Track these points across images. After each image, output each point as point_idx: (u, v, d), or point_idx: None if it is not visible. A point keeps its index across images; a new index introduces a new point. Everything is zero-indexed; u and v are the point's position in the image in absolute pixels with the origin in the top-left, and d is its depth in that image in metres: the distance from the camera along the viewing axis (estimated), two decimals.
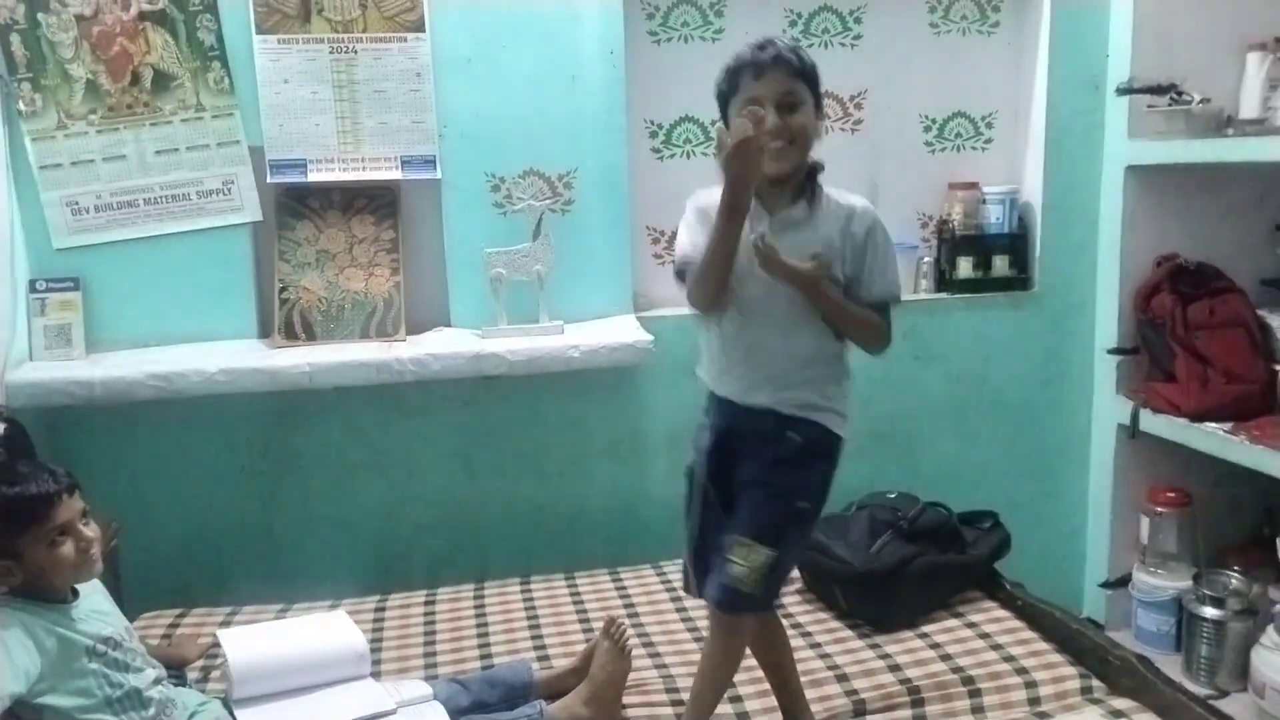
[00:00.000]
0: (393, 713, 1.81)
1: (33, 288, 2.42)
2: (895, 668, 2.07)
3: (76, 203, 2.44)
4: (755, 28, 2.72)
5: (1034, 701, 1.98)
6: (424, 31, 2.48)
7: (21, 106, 2.37)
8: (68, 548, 1.59)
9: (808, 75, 1.68)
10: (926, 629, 2.23)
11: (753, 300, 1.70)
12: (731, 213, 1.59)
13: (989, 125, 2.93)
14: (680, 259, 1.77)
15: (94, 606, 1.67)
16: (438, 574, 2.59)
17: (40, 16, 2.35)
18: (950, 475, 2.89)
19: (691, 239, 1.74)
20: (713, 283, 1.67)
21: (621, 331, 2.56)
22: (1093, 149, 2.83)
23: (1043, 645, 2.14)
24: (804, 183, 1.73)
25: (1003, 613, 2.30)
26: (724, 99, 1.72)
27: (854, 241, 1.72)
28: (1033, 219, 2.90)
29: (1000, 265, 2.90)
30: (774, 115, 1.63)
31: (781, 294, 1.67)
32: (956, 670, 2.05)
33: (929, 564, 2.31)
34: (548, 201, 2.55)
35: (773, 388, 1.72)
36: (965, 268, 2.89)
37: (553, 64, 2.56)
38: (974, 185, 2.90)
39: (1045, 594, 2.40)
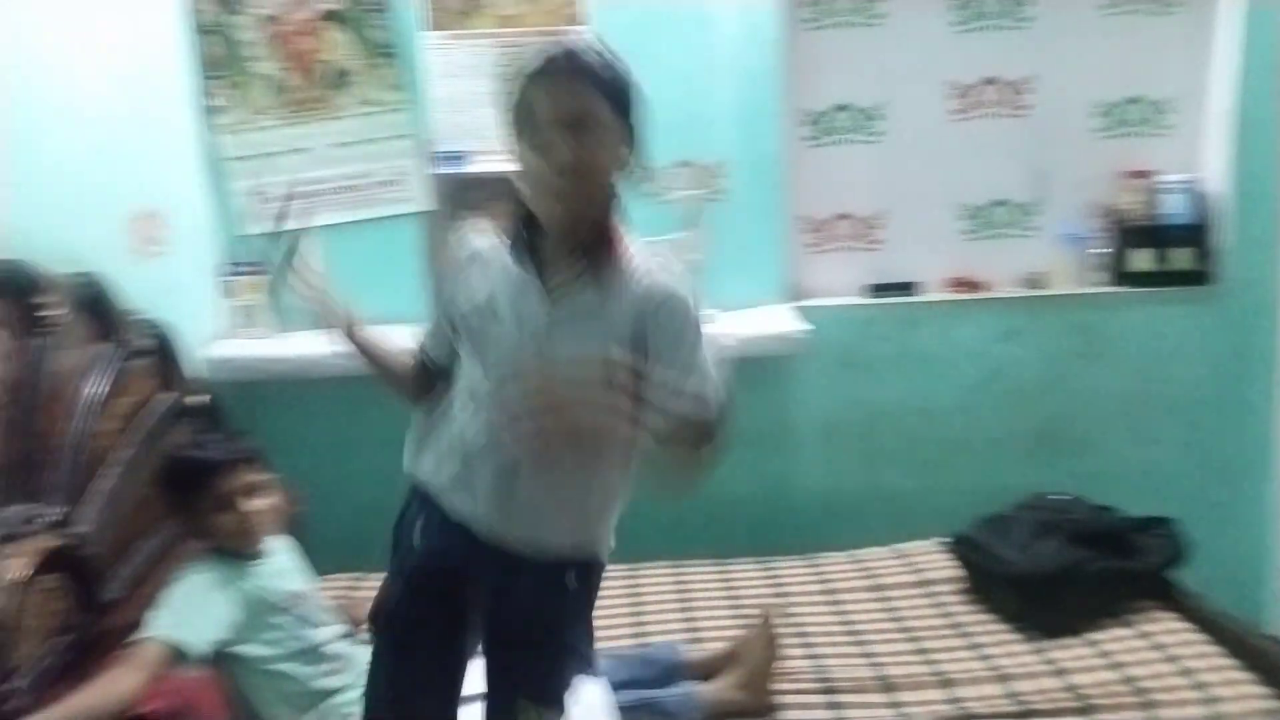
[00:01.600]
0: None
1: (224, 270, 2.60)
2: (1062, 673, 1.99)
3: (264, 192, 2.59)
4: (916, 12, 2.68)
5: (1214, 718, 1.87)
6: (583, 25, 2.53)
7: (216, 102, 2.54)
8: (227, 518, 1.70)
9: (613, 91, 1.30)
10: (1095, 637, 2.13)
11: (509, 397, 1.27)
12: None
13: (1168, 110, 2.77)
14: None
15: (283, 564, 1.79)
16: None
17: (233, 18, 2.51)
18: (1120, 479, 2.75)
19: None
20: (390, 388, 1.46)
21: (776, 320, 2.55)
22: None
23: (1223, 660, 2.01)
24: (594, 243, 1.33)
25: (1178, 624, 2.17)
26: (508, 113, 1.33)
27: (661, 332, 1.32)
28: (1215, 210, 2.73)
29: (1179, 258, 2.74)
30: (559, 136, 1.26)
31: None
32: (1128, 681, 1.95)
33: (1099, 570, 2.20)
34: (702, 191, 2.56)
35: (534, 525, 1.36)
36: (1141, 260, 2.75)
37: (708, 53, 2.57)
38: (1150, 173, 2.75)
39: (1225, 606, 2.26)
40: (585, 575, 1.45)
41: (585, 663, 1.49)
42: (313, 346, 2.46)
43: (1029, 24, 2.71)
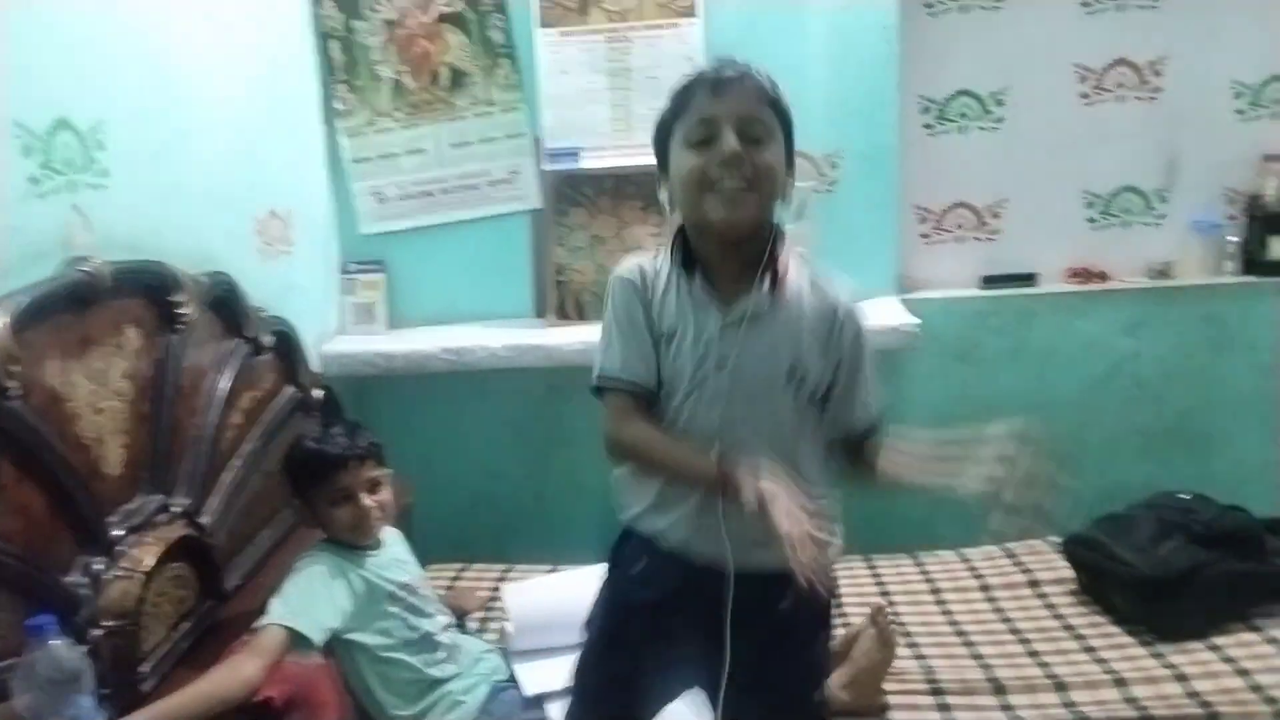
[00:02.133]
0: None
1: (344, 269, 2.70)
2: (1183, 678, 1.92)
3: (382, 192, 2.69)
4: None
5: None
6: (696, 17, 2.53)
7: (338, 105, 2.64)
8: (344, 510, 1.75)
9: (780, 109, 1.33)
10: (1219, 641, 2.04)
11: (733, 420, 1.31)
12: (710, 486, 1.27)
13: None
14: (601, 373, 1.41)
15: (395, 555, 1.86)
16: None
17: (354, 23, 2.60)
18: (1252, 477, 2.63)
19: (623, 348, 1.37)
20: (655, 476, 1.37)
21: (886, 314, 2.51)
22: None
23: None
24: (764, 254, 1.32)
25: None
26: (664, 130, 1.36)
27: (841, 347, 1.35)
28: None
29: None
30: (733, 139, 1.27)
31: (760, 419, 1.31)
32: (1256, 689, 1.87)
33: (1225, 571, 2.11)
34: (812, 184, 2.54)
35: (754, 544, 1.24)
36: (1277, 248, 2.60)
37: (824, 43, 2.54)
38: None
39: None
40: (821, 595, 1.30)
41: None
42: (423, 343, 2.56)
43: (1161, 3, 2.59)
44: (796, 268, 1.36)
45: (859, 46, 2.54)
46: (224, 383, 1.93)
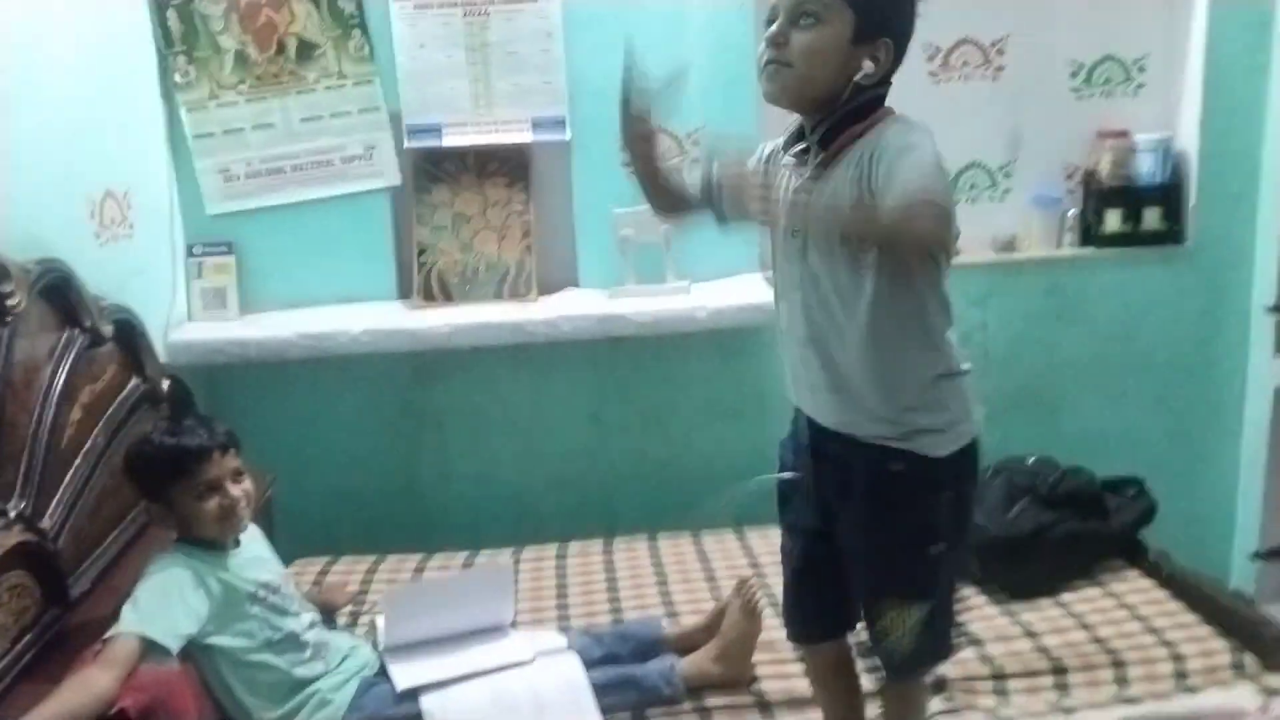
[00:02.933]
0: (530, 662, 1.87)
1: (190, 252, 2.56)
2: (1032, 634, 2.03)
3: (228, 170, 2.55)
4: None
5: (1180, 675, 1.91)
6: None
7: (177, 78, 2.49)
8: (212, 503, 1.69)
9: None
10: (1066, 598, 2.17)
11: (790, 285, 1.47)
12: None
13: (1141, 69, 2.76)
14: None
15: (255, 554, 1.79)
16: (568, 528, 2.65)
17: None
18: (1093, 439, 2.77)
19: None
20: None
21: (748, 291, 2.54)
22: (1256, 93, 2.65)
23: (1190, 618, 2.06)
24: (831, 129, 1.40)
25: (1146, 582, 2.22)
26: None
27: (875, 174, 1.33)
28: (1187, 169, 2.73)
29: (1151, 218, 2.75)
30: (776, 24, 1.37)
31: (824, 279, 1.40)
32: (1097, 641, 2.00)
33: (1069, 531, 2.24)
34: (676, 160, 2.54)
35: (841, 407, 1.45)
36: (1113, 221, 2.75)
37: (683, 19, 2.54)
38: (1124, 133, 2.75)
39: (1192, 565, 2.30)
40: (908, 467, 1.42)
41: (938, 563, 1.48)
42: (279, 329, 2.45)
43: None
44: (879, 131, 1.37)
45: (721, 24, 2.55)
46: (60, 377, 1.80)
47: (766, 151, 1.55)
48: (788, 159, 1.48)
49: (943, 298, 1.43)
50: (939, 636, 1.55)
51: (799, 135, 1.47)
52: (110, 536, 1.93)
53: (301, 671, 1.74)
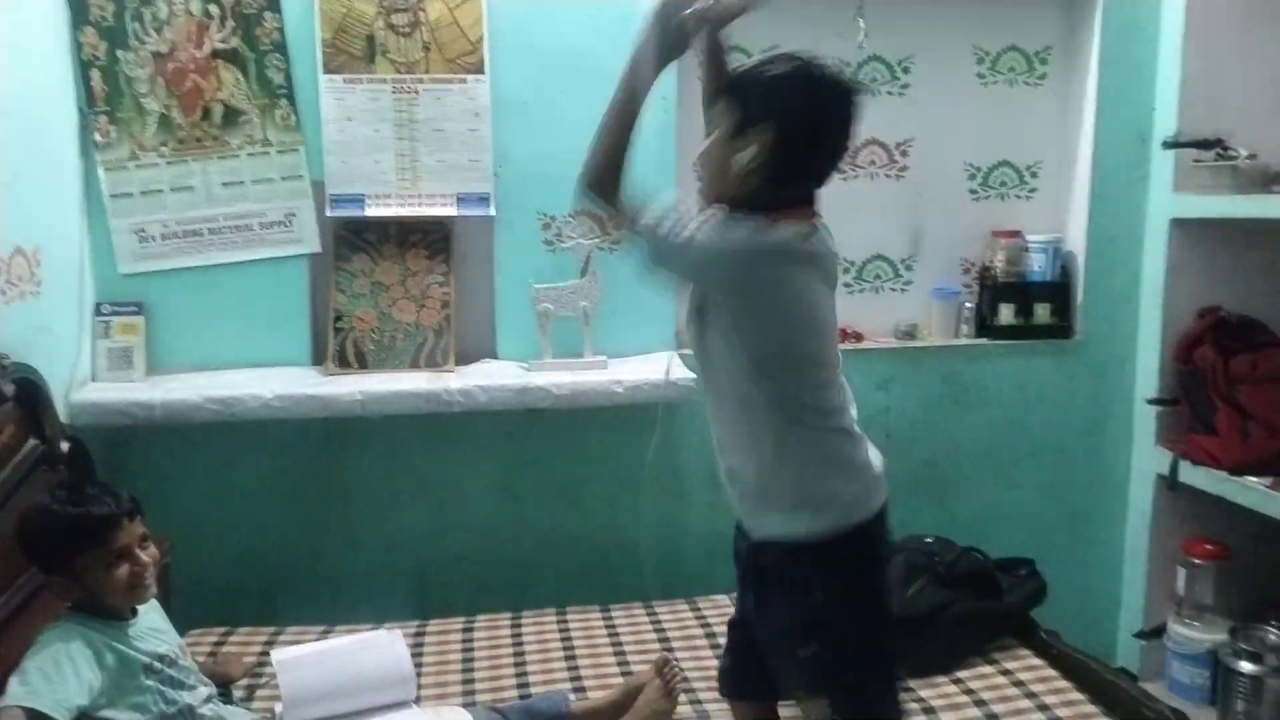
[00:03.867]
0: None
1: (98, 311, 2.51)
2: (930, 711, 2.08)
3: (144, 230, 2.53)
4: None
5: None
6: (483, 74, 2.56)
7: (98, 138, 2.47)
8: (122, 570, 1.65)
9: (740, 92, 1.48)
10: (961, 675, 2.23)
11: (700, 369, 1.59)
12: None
13: (1034, 175, 2.96)
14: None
15: (151, 625, 1.74)
16: (476, 601, 2.63)
17: (119, 53, 2.45)
18: (986, 521, 2.90)
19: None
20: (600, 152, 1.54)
21: (663, 368, 2.59)
22: (1137, 201, 2.85)
23: (1077, 695, 2.13)
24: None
25: (1038, 661, 2.29)
26: None
27: None
28: (1075, 268, 2.92)
29: (1042, 313, 2.92)
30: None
31: (715, 368, 1.51)
32: (991, 717, 2.06)
33: (965, 610, 2.32)
34: (595, 240, 2.61)
35: (736, 496, 1.57)
36: (1007, 314, 2.91)
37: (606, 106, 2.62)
38: (1017, 233, 2.93)
39: (1079, 643, 2.39)
40: (799, 556, 1.47)
41: (865, 650, 1.49)
42: (186, 392, 2.41)
43: (908, 90, 2.86)
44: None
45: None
46: None
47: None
48: None
49: (815, 385, 1.49)
50: (863, 707, 1.53)
51: None
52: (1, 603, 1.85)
53: None
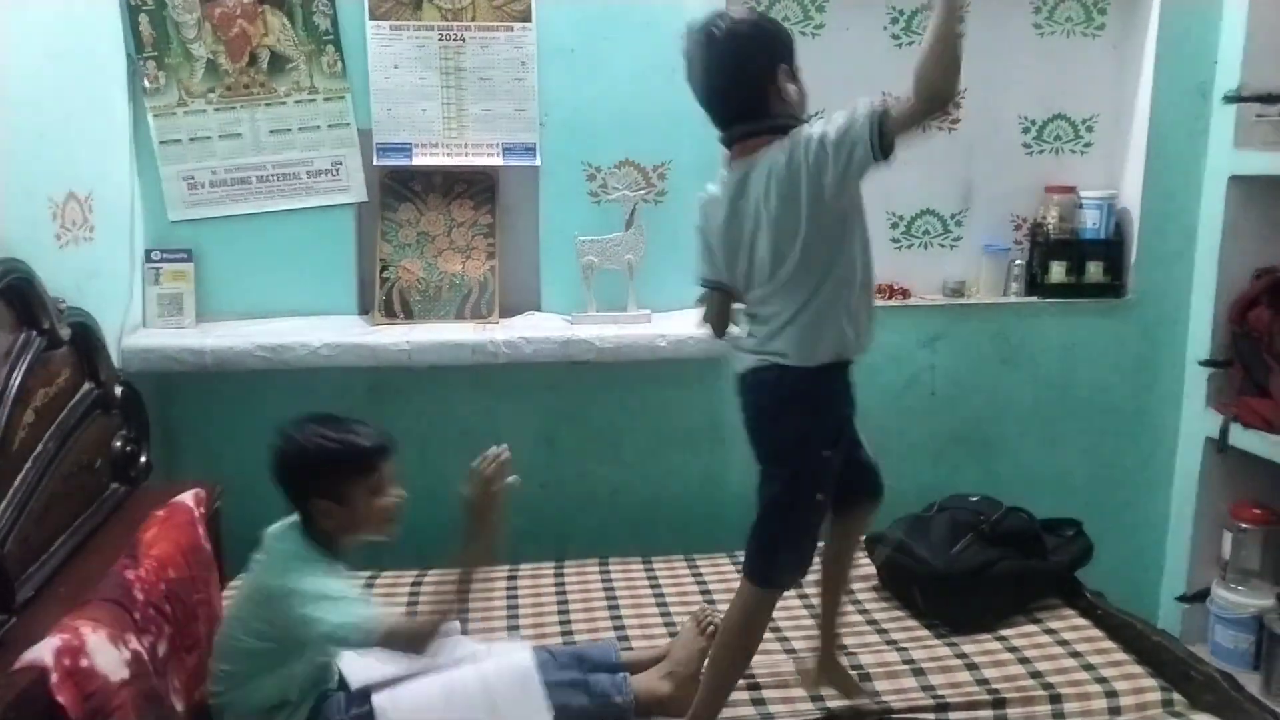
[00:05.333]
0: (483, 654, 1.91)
1: (148, 258, 2.54)
2: (973, 667, 2.08)
3: (193, 177, 2.54)
4: (856, 24, 2.75)
5: (1114, 711, 1.98)
6: (530, 22, 2.53)
7: (146, 84, 2.48)
8: (388, 500, 1.77)
9: (710, 45, 1.73)
10: (1005, 633, 2.23)
11: None
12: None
13: (1089, 129, 2.89)
14: None
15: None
16: (518, 550, 2.64)
17: None
18: (1032, 481, 2.87)
19: None
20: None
21: None
22: (1196, 157, 2.78)
23: (1123, 656, 2.13)
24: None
25: (1082, 621, 2.29)
26: None
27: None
28: (1130, 226, 2.86)
29: (1094, 271, 2.87)
30: None
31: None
32: (1036, 675, 2.06)
33: (1010, 569, 2.31)
34: (641, 192, 2.59)
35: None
36: (1058, 272, 2.86)
37: (654, 56, 2.58)
38: (1071, 189, 2.86)
39: (1120, 605, 2.39)
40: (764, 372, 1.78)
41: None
42: (236, 339, 2.43)
43: (963, 40, 2.78)
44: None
45: None
46: (16, 379, 1.77)
47: None
48: None
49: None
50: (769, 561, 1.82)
51: None
52: (58, 542, 1.89)
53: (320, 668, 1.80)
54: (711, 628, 1.99)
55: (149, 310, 2.53)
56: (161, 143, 2.51)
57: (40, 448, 1.85)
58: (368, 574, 2.45)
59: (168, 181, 2.53)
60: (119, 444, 2.19)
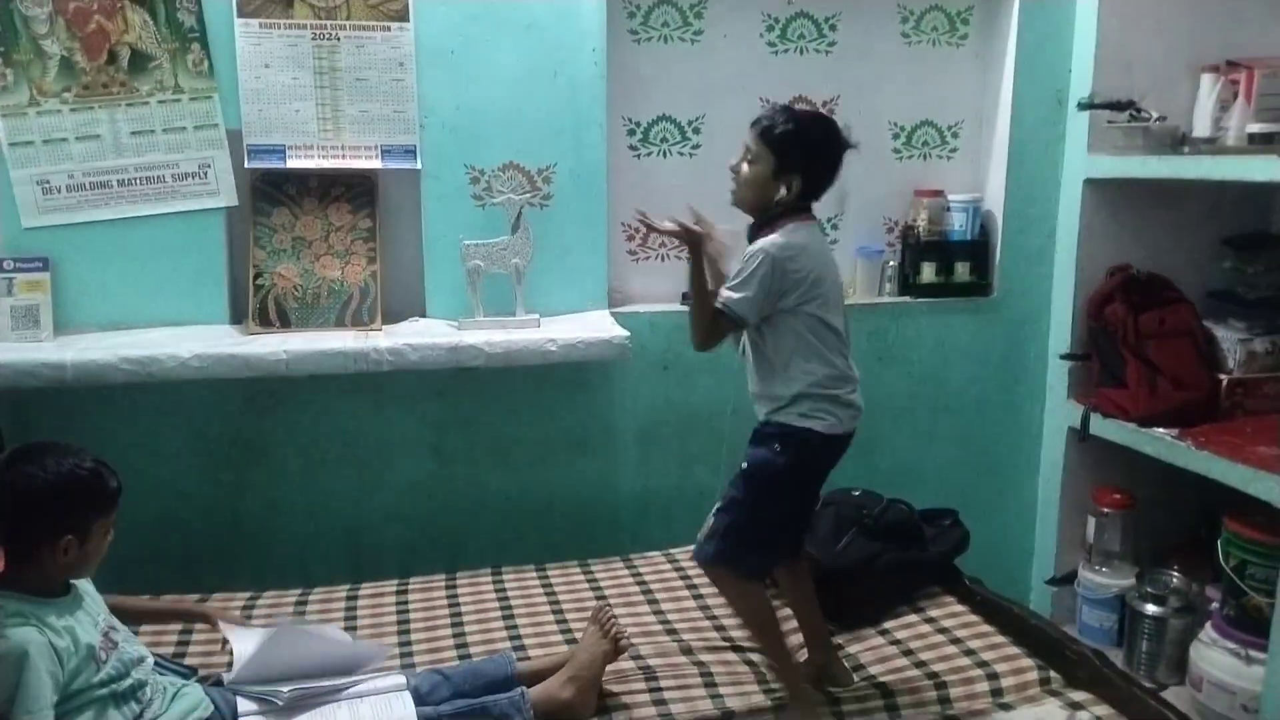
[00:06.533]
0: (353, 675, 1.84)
1: (0, 267, 2.37)
2: (860, 667, 2.13)
3: (48, 181, 2.39)
4: (733, 31, 2.79)
5: (996, 693, 2.06)
6: (408, 21, 2.47)
7: None
8: (98, 544, 1.62)
9: (769, 139, 1.95)
10: (888, 625, 2.30)
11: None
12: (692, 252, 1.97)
13: (955, 135, 3.01)
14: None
15: (87, 591, 1.67)
16: (408, 563, 2.60)
17: None
18: (907, 473, 2.97)
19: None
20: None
21: (598, 326, 2.58)
22: (1054, 161, 2.93)
23: (1001, 639, 2.22)
24: (756, 228, 1.99)
25: (960, 608, 2.38)
26: None
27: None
28: (994, 227, 2.99)
29: (962, 271, 2.99)
30: (738, 159, 1.99)
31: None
32: (920, 665, 2.12)
33: (894, 561, 2.38)
34: (527, 195, 2.56)
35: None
36: (928, 273, 2.97)
37: (535, 59, 2.57)
38: (939, 193, 2.98)
39: (994, 589, 2.49)
40: (770, 427, 2.00)
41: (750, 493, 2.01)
42: (99, 352, 2.29)
43: (834, 49, 2.88)
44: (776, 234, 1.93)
45: (569, 64, 2.60)
46: None
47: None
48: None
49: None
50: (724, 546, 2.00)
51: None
52: None
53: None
54: (615, 629, 1.98)
55: (2, 323, 2.37)
56: (11, 144, 2.36)
57: None
58: (248, 594, 2.35)
59: (19, 185, 2.38)
60: None
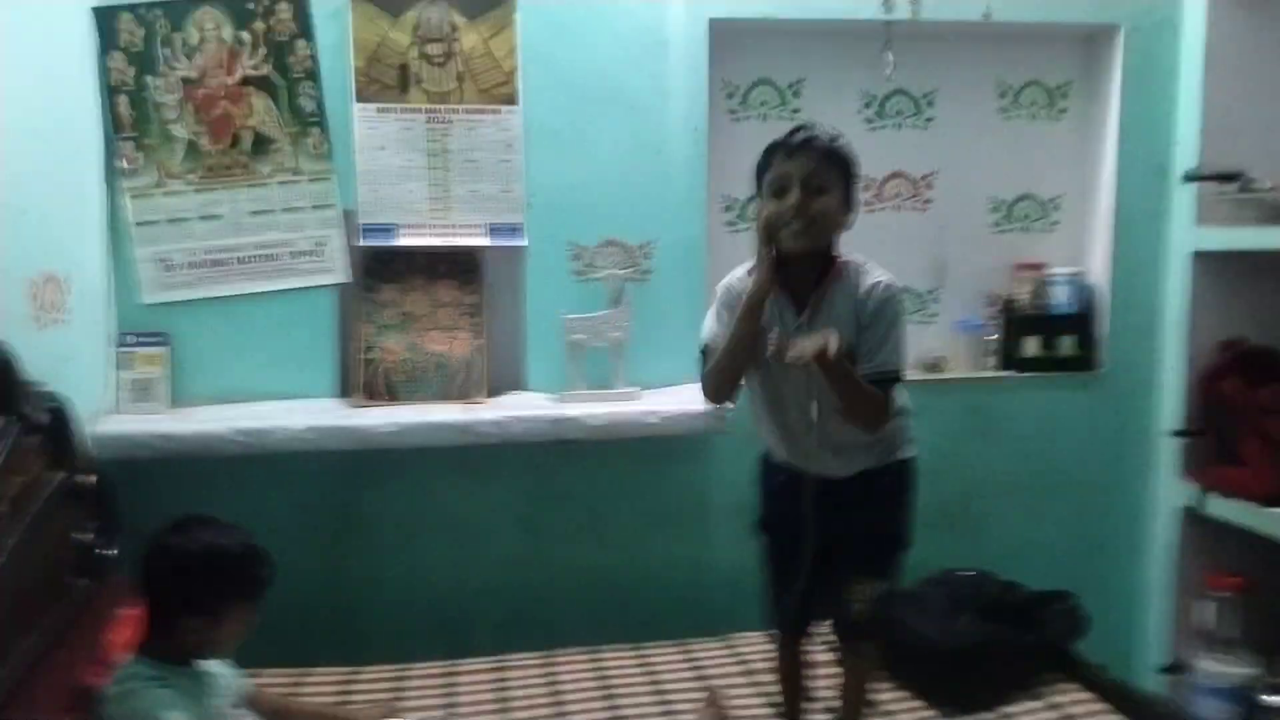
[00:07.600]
0: None
1: (121, 341, 2.45)
2: None
3: (169, 259, 2.48)
4: (831, 108, 2.81)
5: None
6: (516, 104, 2.54)
7: (124, 165, 2.43)
8: (247, 625, 1.64)
9: (839, 162, 1.74)
10: (1007, 710, 2.20)
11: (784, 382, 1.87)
12: (749, 301, 1.75)
13: (1056, 208, 2.98)
14: (705, 343, 1.88)
15: (221, 673, 1.68)
16: (503, 639, 2.57)
17: (148, 79, 2.42)
18: (1013, 554, 2.87)
19: (718, 325, 1.85)
20: (728, 373, 1.84)
21: (696, 398, 2.56)
22: (1159, 233, 2.87)
23: None
24: (823, 270, 1.79)
25: (1083, 694, 2.27)
26: (758, 177, 1.80)
27: (863, 317, 1.77)
28: (1098, 301, 2.94)
29: (1066, 345, 2.93)
30: (798, 193, 1.69)
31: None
32: None
33: (1009, 643, 2.29)
34: (628, 271, 2.59)
35: (846, 458, 1.91)
36: (1031, 346, 2.92)
37: (638, 138, 2.63)
38: (1040, 266, 2.94)
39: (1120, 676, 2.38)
40: (889, 475, 1.94)
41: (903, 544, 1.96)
42: (213, 424, 2.35)
43: (932, 124, 2.88)
44: (850, 271, 1.79)
45: (670, 143, 2.65)
46: None
47: (736, 290, 1.84)
48: (779, 300, 1.80)
49: None
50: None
51: (781, 279, 1.78)
52: (22, 644, 1.76)
53: None
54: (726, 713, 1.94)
55: (121, 395, 2.44)
56: (137, 224, 2.46)
57: (10, 540, 1.74)
58: (345, 669, 2.34)
59: (143, 263, 2.47)
60: (88, 536, 2.09)
